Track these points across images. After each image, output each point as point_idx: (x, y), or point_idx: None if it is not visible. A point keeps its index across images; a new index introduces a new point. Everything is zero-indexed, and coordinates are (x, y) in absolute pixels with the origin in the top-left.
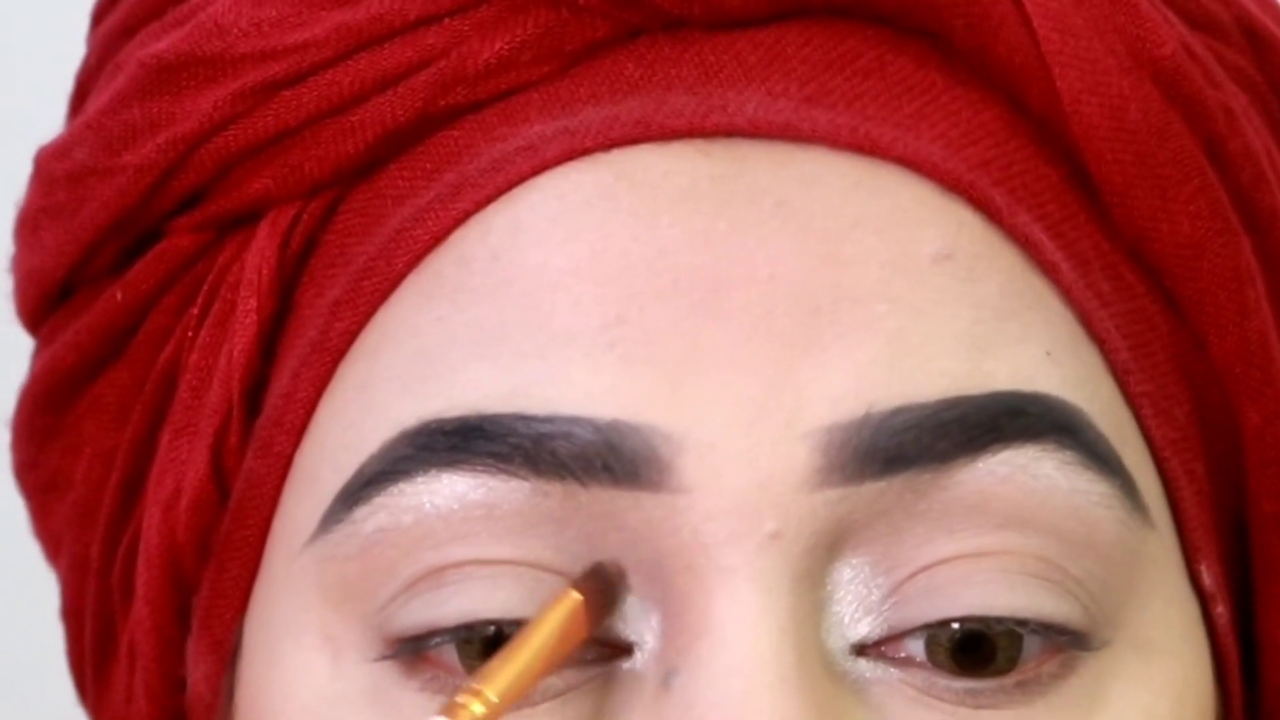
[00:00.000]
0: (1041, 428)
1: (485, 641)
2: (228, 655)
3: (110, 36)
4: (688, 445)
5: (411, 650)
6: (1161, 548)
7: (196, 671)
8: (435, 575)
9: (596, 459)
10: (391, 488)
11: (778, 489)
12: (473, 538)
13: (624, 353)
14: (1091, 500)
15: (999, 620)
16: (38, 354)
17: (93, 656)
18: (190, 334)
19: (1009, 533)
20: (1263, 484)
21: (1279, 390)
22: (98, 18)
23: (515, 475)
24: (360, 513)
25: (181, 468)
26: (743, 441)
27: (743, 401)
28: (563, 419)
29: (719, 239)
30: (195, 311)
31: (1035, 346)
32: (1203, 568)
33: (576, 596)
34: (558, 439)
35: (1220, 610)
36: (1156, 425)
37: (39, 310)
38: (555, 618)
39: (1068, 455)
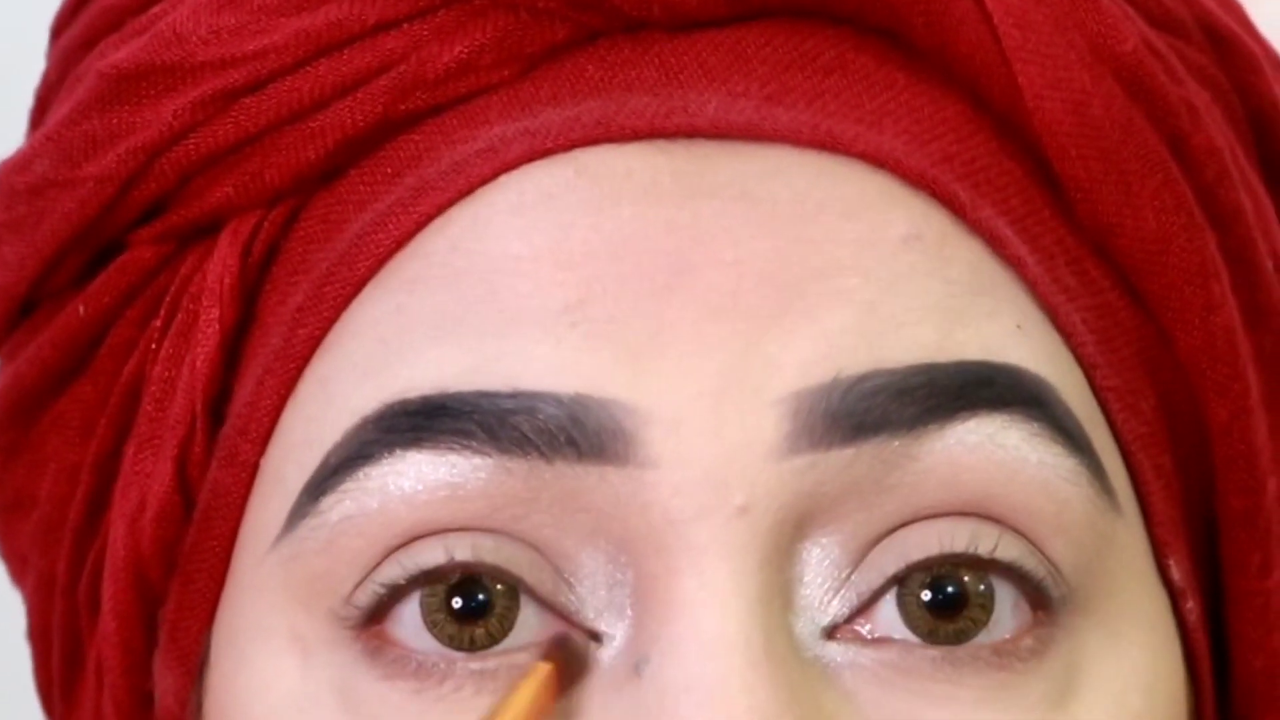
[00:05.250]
0: (1010, 398)
1: (449, 590)
2: (195, 668)
3: (70, 49)
4: (653, 419)
5: (374, 623)
6: (1131, 537)
7: (164, 685)
8: (403, 547)
9: (560, 433)
10: (357, 473)
11: (746, 460)
12: (436, 522)
13: (587, 330)
14: (1060, 475)
15: (970, 558)
16: (1, 371)
17: (60, 676)
18: (153, 346)
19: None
20: (1230, 480)
21: (1245, 386)
22: (57, 31)
23: (479, 453)
24: (326, 502)
25: (146, 481)
26: (709, 413)
27: (709, 374)
28: (525, 394)
29: (681, 227)
30: (158, 324)
31: (1005, 320)
32: (1171, 562)
33: (546, 666)
34: (521, 414)
35: (1190, 606)
36: (1124, 420)
37: (2, 327)
38: (528, 689)
39: (1035, 427)
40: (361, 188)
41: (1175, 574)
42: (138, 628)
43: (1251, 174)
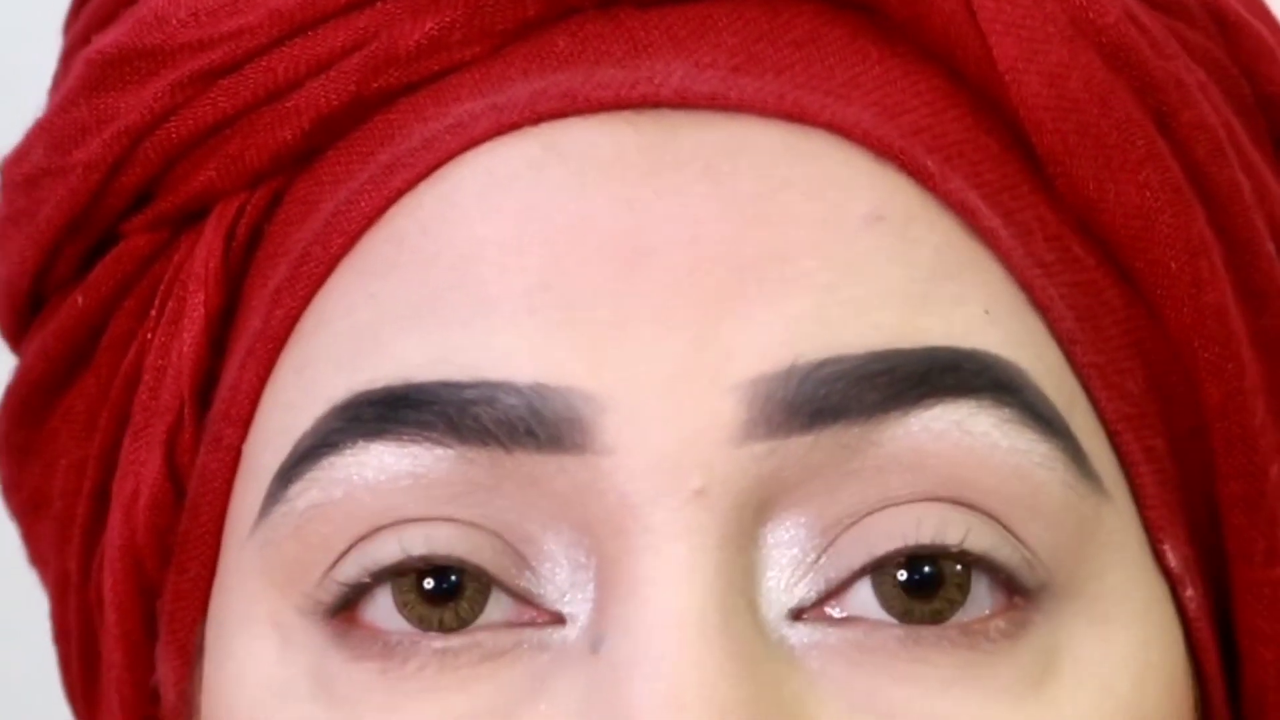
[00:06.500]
0: (978, 384)
1: (419, 575)
2: (192, 658)
3: (73, 44)
4: (611, 406)
5: (344, 608)
6: (1119, 520)
7: (165, 678)
8: (364, 539)
9: (520, 423)
10: (322, 461)
11: (703, 445)
12: (400, 510)
13: (547, 317)
14: (1034, 460)
15: (943, 549)
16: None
17: (80, 676)
18: (149, 336)
19: (949, 494)
20: (1229, 464)
21: (1239, 366)
22: (65, 31)
23: (441, 443)
24: (294, 490)
25: (140, 469)
26: (666, 399)
27: (666, 359)
28: (485, 384)
29: (643, 205)
30: (154, 313)
31: (973, 305)
32: (1167, 548)
33: None
34: (481, 404)
35: (1190, 593)
36: (1107, 399)
37: (15, 324)
38: None
39: (1006, 413)
40: (338, 167)
41: (1172, 560)
42: (138, 619)
43: (1257, 156)
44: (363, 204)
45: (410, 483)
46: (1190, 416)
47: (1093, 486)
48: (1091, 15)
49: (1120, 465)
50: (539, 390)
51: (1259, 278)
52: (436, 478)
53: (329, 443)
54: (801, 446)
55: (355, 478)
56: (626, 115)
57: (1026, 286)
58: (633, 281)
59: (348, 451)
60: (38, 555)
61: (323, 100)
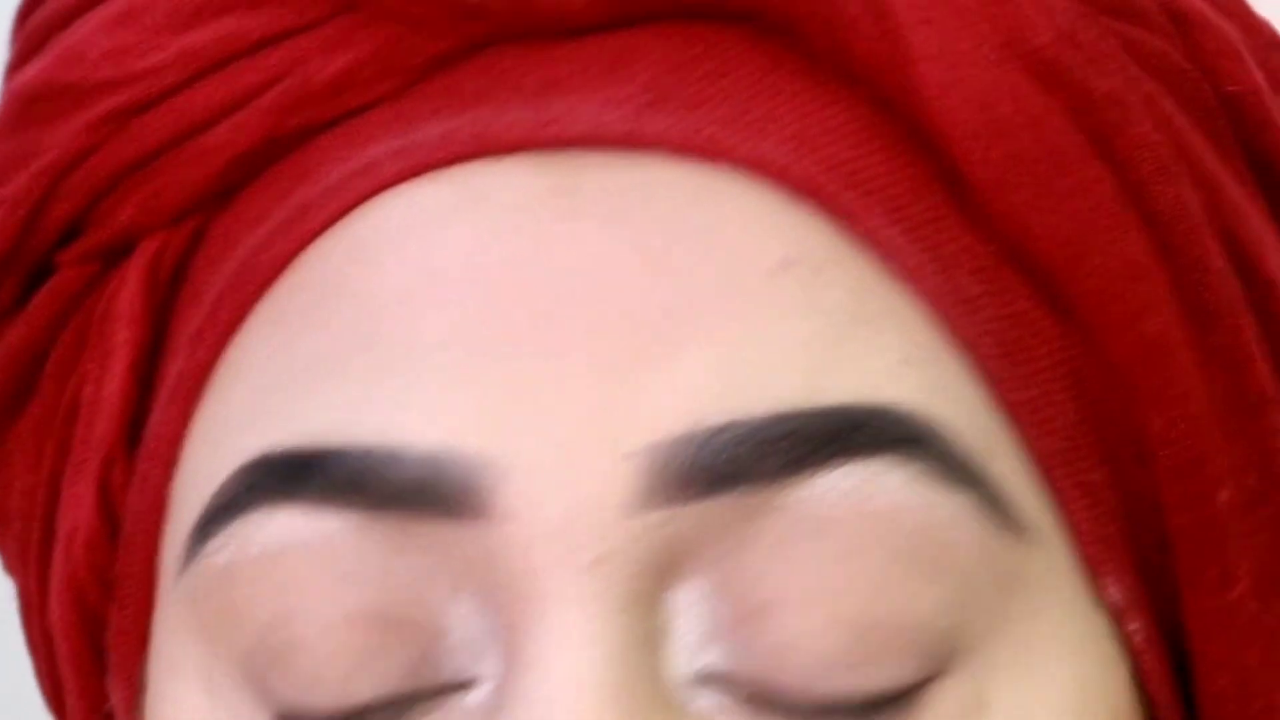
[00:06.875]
0: (885, 440)
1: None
2: (138, 690)
3: (8, 73)
4: (510, 472)
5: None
6: (1049, 561)
7: (117, 707)
8: (284, 634)
9: (419, 491)
10: (232, 523)
11: (600, 513)
12: (308, 579)
13: (448, 378)
14: (945, 516)
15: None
16: None
17: (51, 691)
18: (87, 369)
19: (852, 564)
20: (1175, 492)
21: (1183, 392)
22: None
23: (344, 509)
24: (212, 546)
25: (77, 504)
26: (564, 466)
27: (565, 424)
28: (384, 450)
29: (549, 256)
30: (90, 347)
31: (884, 355)
32: (1108, 581)
33: None
34: (383, 471)
35: (1135, 626)
36: (1037, 436)
37: None
38: None
39: (916, 468)
40: (256, 207)
41: (1113, 594)
42: (87, 649)
43: (1215, 163)
44: (274, 249)
45: (316, 548)
46: (1134, 445)
47: (1016, 535)
48: (1025, 36)
49: (1053, 502)
50: (437, 457)
51: (1208, 296)
52: (341, 544)
53: (238, 504)
54: (702, 512)
55: (263, 541)
56: (536, 157)
57: (949, 325)
58: (535, 340)
59: (253, 515)
60: (8, 566)
61: (238, 139)
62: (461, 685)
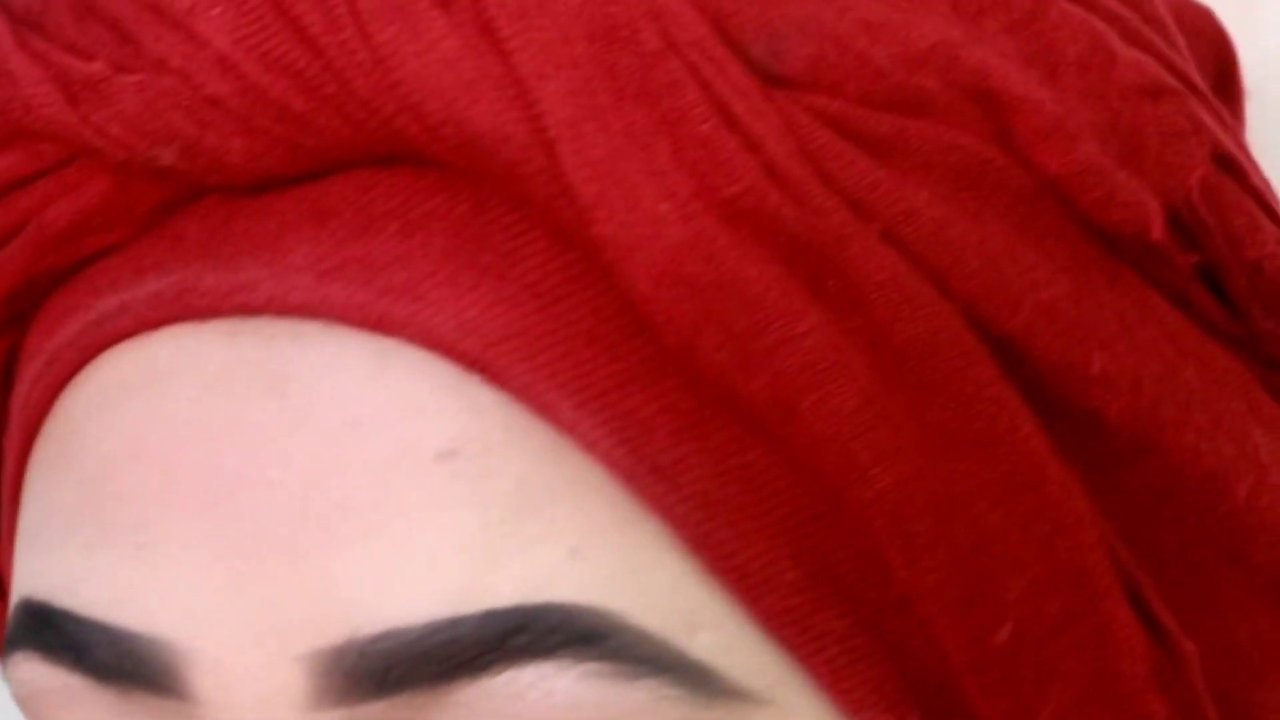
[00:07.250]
0: (552, 642)
1: None
2: None
3: None
4: (196, 660)
5: None
6: (784, 717)
7: None
8: None
9: (132, 668)
10: (15, 653)
11: (277, 708)
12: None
13: (142, 561)
14: (629, 710)
15: None
16: None
17: None
18: None
19: None
20: (945, 637)
21: (930, 540)
22: None
23: (74, 670)
24: (13, 659)
25: None
26: (243, 659)
27: (246, 617)
28: (96, 624)
29: (235, 436)
30: None
31: (555, 546)
32: None
33: None
34: (98, 640)
35: None
36: (756, 597)
37: None
38: None
39: (590, 666)
40: (33, 341)
41: None
42: None
43: (1027, 250)
44: (35, 394)
45: (63, 700)
46: (889, 587)
47: (733, 701)
48: (715, 185)
49: (790, 657)
50: (139, 637)
51: (976, 426)
52: (83, 699)
53: (14, 640)
54: (375, 711)
55: (30, 680)
56: (231, 323)
57: (642, 495)
58: (217, 529)
59: (18, 655)
60: None
61: (4, 276)
62: None
